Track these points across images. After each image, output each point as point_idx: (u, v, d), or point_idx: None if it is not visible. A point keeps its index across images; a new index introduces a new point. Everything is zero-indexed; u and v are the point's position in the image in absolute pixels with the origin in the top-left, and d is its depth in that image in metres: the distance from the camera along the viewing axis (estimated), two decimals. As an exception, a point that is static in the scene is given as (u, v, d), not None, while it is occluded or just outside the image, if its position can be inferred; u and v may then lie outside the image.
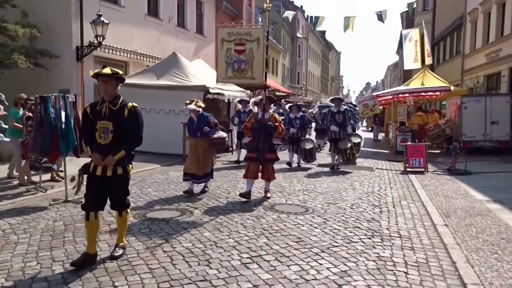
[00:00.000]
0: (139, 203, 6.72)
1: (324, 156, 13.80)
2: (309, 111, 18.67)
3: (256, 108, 7.52)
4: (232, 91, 15.49)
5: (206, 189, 7.75)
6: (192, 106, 7.47)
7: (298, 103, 13.27)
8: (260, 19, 35.69)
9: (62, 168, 7.75)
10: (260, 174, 7.28)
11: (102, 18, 12.65)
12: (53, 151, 6.91)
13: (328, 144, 12.95)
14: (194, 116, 7.54)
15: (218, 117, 12.61)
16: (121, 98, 4.33)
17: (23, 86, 10.92)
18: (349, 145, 10.70)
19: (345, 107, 11.03)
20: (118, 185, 4.31)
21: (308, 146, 11.38)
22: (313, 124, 17.73)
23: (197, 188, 7.78)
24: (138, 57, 16.03)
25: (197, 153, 7.46)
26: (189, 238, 5.03)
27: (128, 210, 4.53)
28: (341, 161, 10.99)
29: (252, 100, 7.70)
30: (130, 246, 4.66)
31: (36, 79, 12.11)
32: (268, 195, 7.36)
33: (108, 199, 4.39)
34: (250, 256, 4.43)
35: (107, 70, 4.21)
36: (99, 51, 13.66)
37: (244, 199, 7.04)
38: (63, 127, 6.76)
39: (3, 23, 11.40)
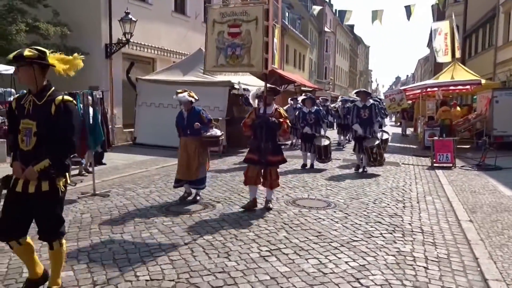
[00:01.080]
0: (163, 197, 6.85)
1: (345, 156, 12.82)
2: (332, 105, 18.46)
3: (256, 102, 6.36)
4: (258, 86, 15.55)
5: (198, 197, 6.59)
6: (184, 97, 6.33)
7: (312, 96, 11.95)
8: (287, 13, 35.58)
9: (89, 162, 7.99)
10: (261, 180, 6.22)
11: (130, 16, 12.92)
12: (82, 146, 7.13)
13: (352, 142, 11.94)
14: (184, 111, 6.45)
15: (241, 113, 12.70)
16: (52, 89, 3.28)
17: (54, 84, 11.25)
18: (376, 142, 9.38)
19: (372, 101, 9.64)
20: (42, 206, 3.18)
21: (323, 143, 10.13)
22: (330, 119, 17.17)
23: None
24: (165, 54, 16.28)
25: (188, 154, 6.38)
26: (210, 231, 5.11)
27: (63, 241, 3.38)
28: (366, 163, 9.59)
29: (252, 92, 6.49)
30: (152, 239, 4.79)
31: (67, 76, 12.46)
32: (270, 205, 6.17)
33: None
34: (269, 249, 4.48)
35: (17, 53, 3.12)
36: (127, 48, 13.95)
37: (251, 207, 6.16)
38: (91, 122, 6.97)
39: (35, 22, 11.80)
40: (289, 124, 6.14)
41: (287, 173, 9.45)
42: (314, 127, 10.29)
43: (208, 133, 6.41)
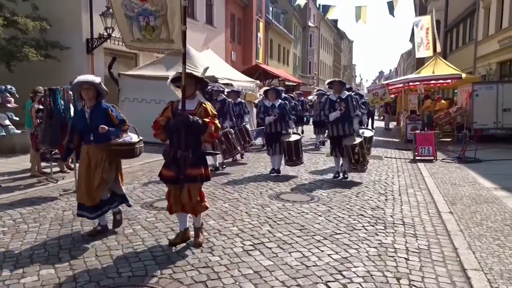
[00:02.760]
0: (147, 193, 6.81)
1: (321, 157, 12.86)
2: (309, 97, 18.42)
3: (178, 91, 4.54)
4: (242, 81, 15.52)
5: (118, 216, 4.98)
6: (87, 80, 4.66)
7: (278, 87, 10.05)
8: (271, 8, 35.50)
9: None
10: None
11: (111, 10, 12.70)
12: (63, 142, 7.02)
13: (328, 143, 9.64)
14: (87, 108, 4.68)
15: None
16: None
17: (35, 79, 11.09)
18: (357, 140, 7.74)
19: (348, 93, 8.03)
20: None
21: (292, 138, 8.40)
22: (306, 114, 16.57)
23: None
24: (148, 49, 16.07)
25: (87, 169, 4.65)
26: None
27: None
28: (346, 167, 8.12)
29: (169, 80, 4.55)
30: (135, 235, 4.76)
31: (47, 71, 12.26)
32: (200, 239, 4.45)
33: None
34: (252, 244, 4.49)
35: None
36: (109, 43, 13.77)
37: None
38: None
39: (13, 17, 11.55)
40: (218, 125, 4.37)
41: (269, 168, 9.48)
42: (279, 124, 8.46)
43: (120, 139, 4.74)
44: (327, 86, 8.51)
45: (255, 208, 5.98)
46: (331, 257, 4.14)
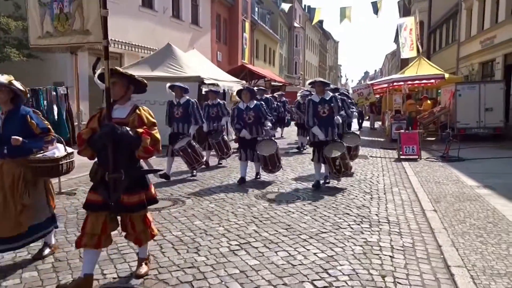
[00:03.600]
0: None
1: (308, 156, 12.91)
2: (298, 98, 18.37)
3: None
4: (227, 81, 15.49)
5: (47, 250, 4.11)
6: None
7: (257, 87, 9.25)
8: (257, 9, 35.53)
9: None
10: (123, 233, 3.82)
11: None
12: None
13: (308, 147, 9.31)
14: (1, 114, 3.93)
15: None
16: None
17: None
18: (338, 152, 7.07)
19: (331, 94, 7.29)
20: None
21: (268, 150, 7.63)
22: (288, 116, 15.63)
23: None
24: (133, 49, 15.98)
25: (2, 191, 3.80)
26: (180, 227, 5.08)
27: None
28: (329, 173, 7.52)
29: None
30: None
31: (30, 72, 12.04)
32: (142, 271, 3.65)
33: None
34: (239, 243, 4.48)
35: None
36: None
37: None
38: (56, 119, 6.78)
39: (-5, 17, 11.35)
40: (157, 136, 3.42)
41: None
42: (255, 128, 7.71)
43: (40, 154, 3.95)
44: (309, 87, 7.77)
45: (241, 208, 5.97)
46: (317, 255, 4.15)
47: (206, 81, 12.68)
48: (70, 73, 13.11)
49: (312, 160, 7.44)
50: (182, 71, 13.07)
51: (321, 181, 7.48)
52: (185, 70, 13.14)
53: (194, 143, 8.13)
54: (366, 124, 24.85)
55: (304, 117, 7.51)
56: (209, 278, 3.61)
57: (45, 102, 6.74)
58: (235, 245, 4.44)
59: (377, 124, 23.93)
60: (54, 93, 6.75)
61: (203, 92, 9.82)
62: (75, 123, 11.22)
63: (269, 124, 7.80)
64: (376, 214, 5.67)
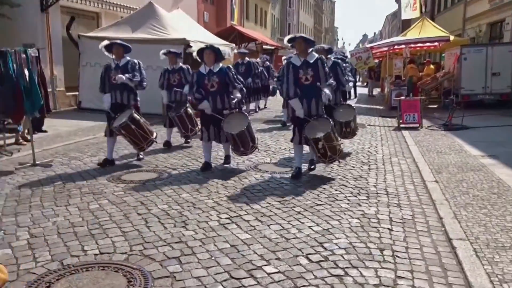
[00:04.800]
0: (114, 166, 6.73)
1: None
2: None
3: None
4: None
5: None
6: None
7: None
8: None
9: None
10: None
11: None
12: (17, 111, 6.82)
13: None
14: None
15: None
16: None
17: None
18: (321, 134, 5.89)
19: (317, 56, 6.12)
20: None
21: (237, 127, 6.35)
22: (273, 84, 14.22)
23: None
24: (111, 8, 15.59)
25: None
26: (166, 200, 5.09)
27: None
28: (315, 157, 6.44)
29: None
30: (102, 210, 4.71)
31: (-2, 32, 11.76)
32: None
33: None
34: (229, 217, 4.52)
35: None
36: (66, 1, 13.26)
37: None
38: (27, 84, 6.64)
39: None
40: None
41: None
42: (220, 99, 6.49)
43: None
44: (288, 45, 6.26)
45: (231, 179, 6.00)
46: (311, 229, 4.19)
47: (192, 44, 12.47)
48: (42, 33, 12.83)
49: (292, 141, 6.36)
50: (165, 32, 12.83)
51: (309, 167, 6.57)
52: (169, 31, 12.89)
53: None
54: (364, 90, 24.85)
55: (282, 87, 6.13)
56: (197, 253, 3.64)
57: (14, 65, 6.56)
58: (225, 218, 4.47)
59: (376, 91, 23.94)
60: (24, 55, 6.56)
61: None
62: (49, 89, 11.08)
63: (238, 94, 6.59)
64: (374, 186, 5.73)
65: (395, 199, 5.19)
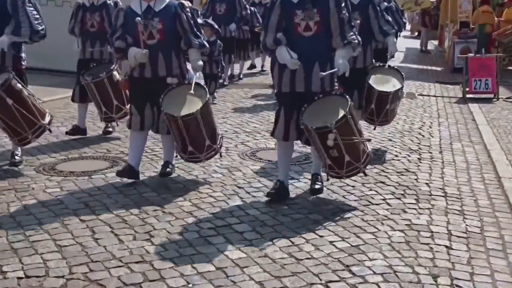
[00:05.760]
0: (45, 150, 6.78)
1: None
2: None
3: None
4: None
5: None
6: None
7: None
8: None
9: None
10: None
11: None
12: None
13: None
14: None
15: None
16: None
17: None
18: (332, 122, 4.92)
19: None
20: None
21: (188, 107, 5.55)
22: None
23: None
24: None
25: None
26: (122, 201, 5.13)
27: None
28: (321, 168, 5.57)
29: None
30: (28, 214, 4.74)
31: None
32: None
33: None
34: (214, 226, 4.55)
35: None
36: None
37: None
38: None
39: None
40: None
41: (243, 110, 9.49)
42: (163, 57, 5.69)
43: None
44: None
45: (218, 172, 6.04)
46: (334, 245, 4.22)
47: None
48: None
49: (273, 134, 5.49)
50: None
51: (311, 187, 5.57)
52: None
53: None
54: (413, 43, 24.76)
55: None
56: (168, 279, 3.67)
57: None
58: (208, 228, 4.50)
59: (432, 44, 23.89)
60: None
61: None
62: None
63: (196, 56, 5.83)
64: (427, 184, 5.78)
65: (456, 203, 5.24)
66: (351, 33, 5.19)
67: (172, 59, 5.75)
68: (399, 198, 5.32)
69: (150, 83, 5.68)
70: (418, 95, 11.49)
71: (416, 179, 5.92)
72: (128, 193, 5.33)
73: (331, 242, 4.29)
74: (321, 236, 4.39)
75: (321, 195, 5.33)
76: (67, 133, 7.40)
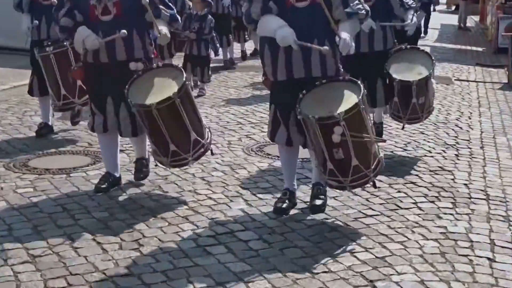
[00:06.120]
0: (16, 143, 6.81)
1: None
2: None
3: None
4: None
5: None
6: None
7: None
8: None
9: None
10: None
11: None
12: None
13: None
14: None
15: None
16: None
17: None
18: (343, 107, 4.56)
19: None
20: None
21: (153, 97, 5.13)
22: None
23: None
24: None
25: None
26: (106, 203, 5.14)
27: None
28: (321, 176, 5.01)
29: None
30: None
31: None
32: None
33: None
34: (214, 234, 4.56)
35: None
36: None
37: None
38: None
39: None
40: None
41: (248, 98, 9.48)
42: (129, 37, 5.32)
43: None
44: None
45: (218, 170, 6.05)
46: (355, 256, 4.22)
47: None
48: None
49: (271, 137, 5.21)
50: None
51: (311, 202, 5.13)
52: None
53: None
54: (450, 19, 24.69)
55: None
56: (159, 297, 3.69)
57: None
58: (208, 236, 4.51)
59: (472, 20, 23.82)
60: None
61: None
62: None
63: (165, 30, 5.30)
64: (466, 184, 5.78)
65: (500, 208, 5.23)
66: (357, 1, 4.82)
67: (134, 39, 5.31)
68: (432, 202, 5.31)
69: (107, 70, 5.33)
70: (455, 80, 11.49)
71: (452, 179, 5.91)
72: (113, 194, 5.33)
73: (352, 253, 4.29)
74: (340, 246, 4.38)
75: (336, 198, 5.31)
76: (37, 135, 7.15)
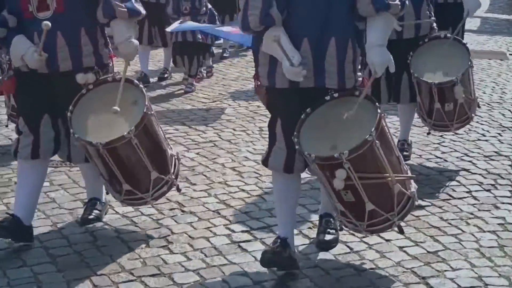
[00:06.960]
0: None
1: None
2: None
3: None
4: None
5: None
6: None
7: None
8: None
9: None
10: None
11: None
12: None
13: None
14: None
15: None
16: None
17: None
18: (355, 142, 3.74)
19: None
20: None
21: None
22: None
23: None
24: None
25: None
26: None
27: None
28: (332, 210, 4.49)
29: None
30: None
31: None
32: None
33: None
34: (249, 229, 4.62)
35: None
36: None
37: None
38: None
39: None
40: None
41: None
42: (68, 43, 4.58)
43: None
44: None
45: (250, 159, 6.13)
46: (404, 251, 4.26)
47: None
48: None
49: (265, 163, 4.27)
50: None
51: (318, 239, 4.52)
52: None
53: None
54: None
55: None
56: (192, 295, 3.76)
57: None
58: (242, 232, 4.57)
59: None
60: None
61: None
62: None
63: (134, 13, 4.51)
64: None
65: None
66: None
67: (81, 42, 4.42)
68: (488, 190, 5.31)
69: (46, 82, 4.47)
70: (510, 54, 11.37)
71: (510, 165, 5.92)
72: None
73: (401, 247, 4.32)
74: (387, 240, 4.41)
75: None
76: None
